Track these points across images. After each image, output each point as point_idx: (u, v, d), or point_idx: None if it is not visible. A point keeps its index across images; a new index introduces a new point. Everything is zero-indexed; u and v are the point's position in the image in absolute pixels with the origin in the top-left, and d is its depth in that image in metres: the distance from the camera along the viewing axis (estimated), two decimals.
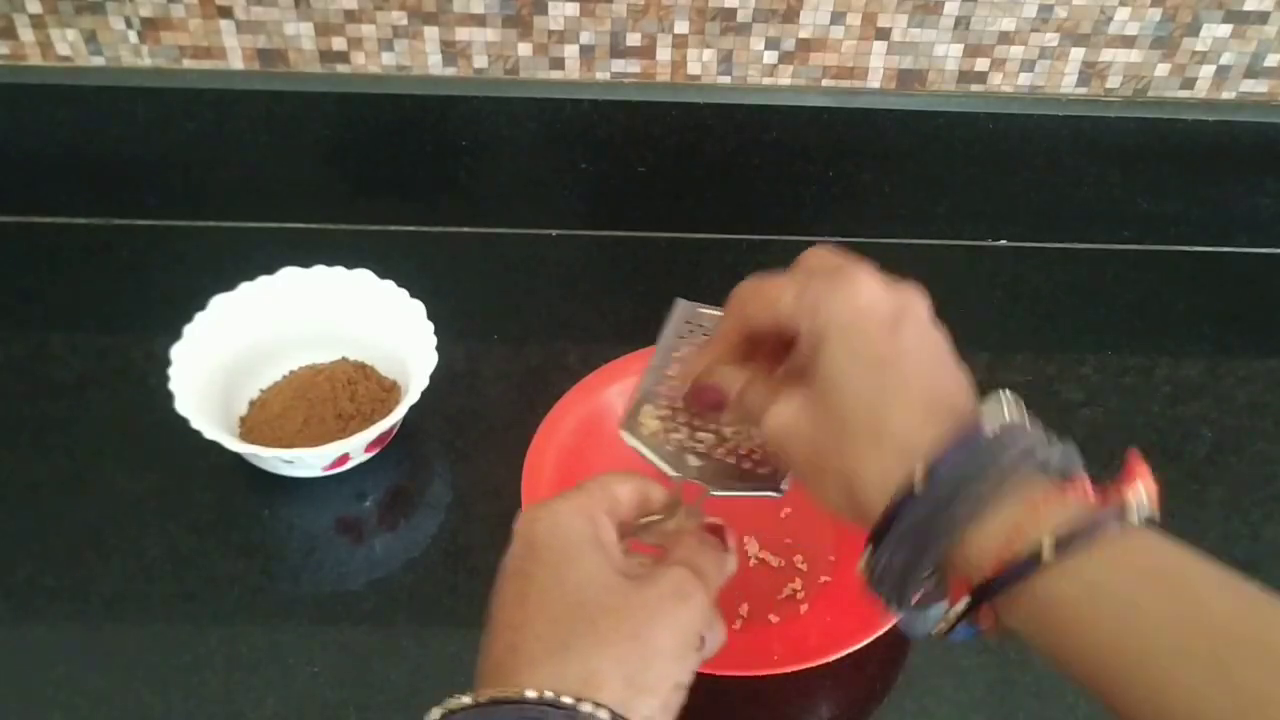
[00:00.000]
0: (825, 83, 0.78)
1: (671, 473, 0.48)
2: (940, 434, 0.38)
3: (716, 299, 0.79)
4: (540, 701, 0.36)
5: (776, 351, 0.45)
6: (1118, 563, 0.35)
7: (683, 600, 0.40)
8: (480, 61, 0.76)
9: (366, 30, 0.75)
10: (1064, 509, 0.36)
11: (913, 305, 0.42)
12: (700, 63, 0.77)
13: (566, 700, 0.36)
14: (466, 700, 0.37)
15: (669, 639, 0.39)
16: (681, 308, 0.53)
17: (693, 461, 0.49)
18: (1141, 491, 0.37)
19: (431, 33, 0.75)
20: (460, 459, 0.68)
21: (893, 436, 0.39)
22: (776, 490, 0.48)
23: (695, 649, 0.41)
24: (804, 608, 0.60)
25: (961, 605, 0.38)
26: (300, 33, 0.75)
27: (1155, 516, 0.37)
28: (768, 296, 0.43)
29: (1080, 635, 0.35)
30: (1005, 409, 0.39)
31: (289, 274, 0.69)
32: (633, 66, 0.77)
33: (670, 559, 0.42)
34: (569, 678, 0.37)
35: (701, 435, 0.49)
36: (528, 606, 0.39)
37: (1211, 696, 0.32)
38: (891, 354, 0.40)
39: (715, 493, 0.48)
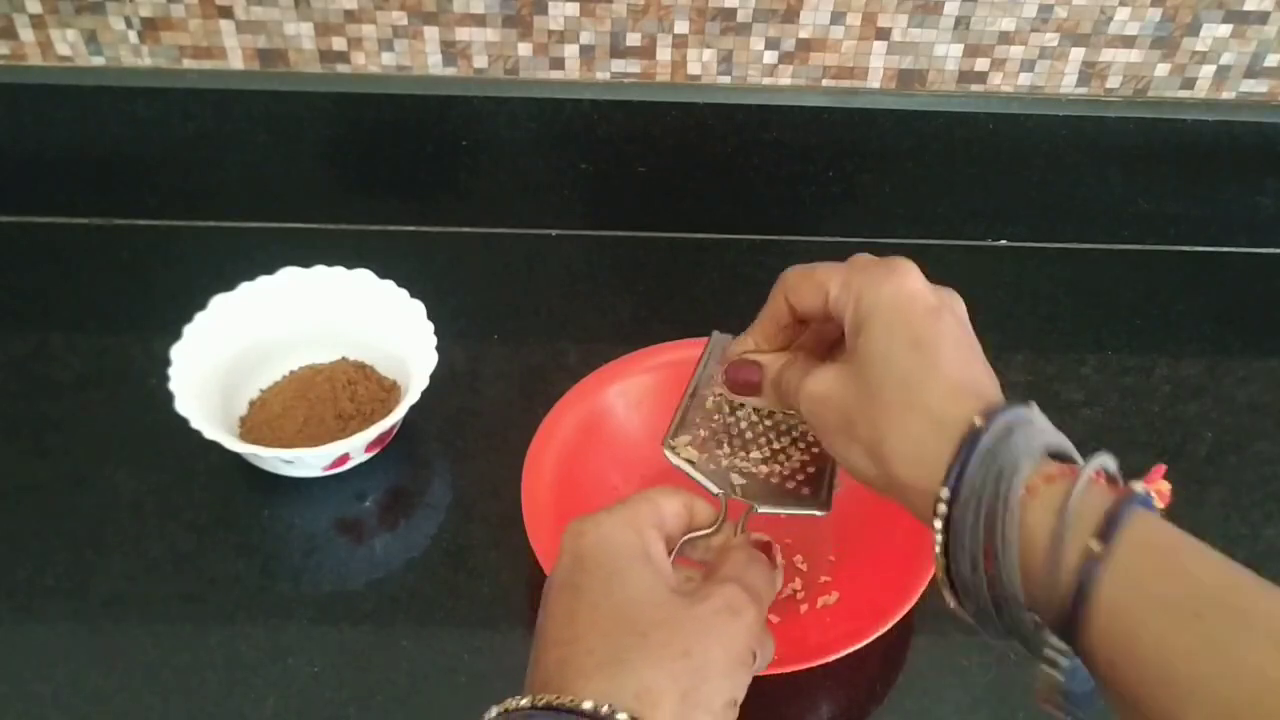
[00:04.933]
0: (825, 83, 0.78)
1: (715, 490, 0.48)
2: (971, 410, 0.39)
3: (716, 299, 0.80)
4: (596, 714, 0.36)
5: (813, 350, 0.47)
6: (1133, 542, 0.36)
7: (735, 616, 0.40)
8: (480, 61, 0.76)
9: (366, 30, 0.75)
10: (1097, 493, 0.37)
11: (954, 302, 0.44)
12: (700, 63, 0.77)
13: (622, 716, 0.36)
14: (524, 702, 0.37)
15: (722, 655, 0.39)
16: (716, 339, 0.54)
17: (737, 480, 0.49)
18: (1153, 491, 0.38)
19: (431, 33, 0.75)
20: (460, 459, 0.68)
21: (924, 409, 0.40)
22: (822, 510, 0.48)
23: (747, 665, 0.40)
24: (804, 608, 0.59)
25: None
26: (300, 33, 0.75)
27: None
28: (816, 280, 0.45)
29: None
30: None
31: (289, 274, 0.69)
32: (633, 66, 0.77)
33: (720, 575, 0.42)
34: (623, 693, 0.37)
35: (741, 463, 0.50)
36: (577, 621, 0.39)
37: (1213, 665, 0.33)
38: (930, 337, 0.42)
39: (761, 509, 0.48)
